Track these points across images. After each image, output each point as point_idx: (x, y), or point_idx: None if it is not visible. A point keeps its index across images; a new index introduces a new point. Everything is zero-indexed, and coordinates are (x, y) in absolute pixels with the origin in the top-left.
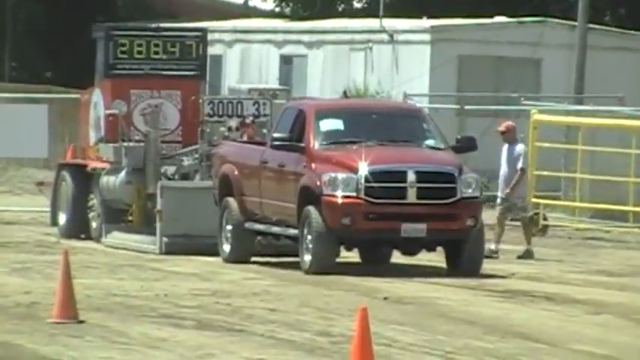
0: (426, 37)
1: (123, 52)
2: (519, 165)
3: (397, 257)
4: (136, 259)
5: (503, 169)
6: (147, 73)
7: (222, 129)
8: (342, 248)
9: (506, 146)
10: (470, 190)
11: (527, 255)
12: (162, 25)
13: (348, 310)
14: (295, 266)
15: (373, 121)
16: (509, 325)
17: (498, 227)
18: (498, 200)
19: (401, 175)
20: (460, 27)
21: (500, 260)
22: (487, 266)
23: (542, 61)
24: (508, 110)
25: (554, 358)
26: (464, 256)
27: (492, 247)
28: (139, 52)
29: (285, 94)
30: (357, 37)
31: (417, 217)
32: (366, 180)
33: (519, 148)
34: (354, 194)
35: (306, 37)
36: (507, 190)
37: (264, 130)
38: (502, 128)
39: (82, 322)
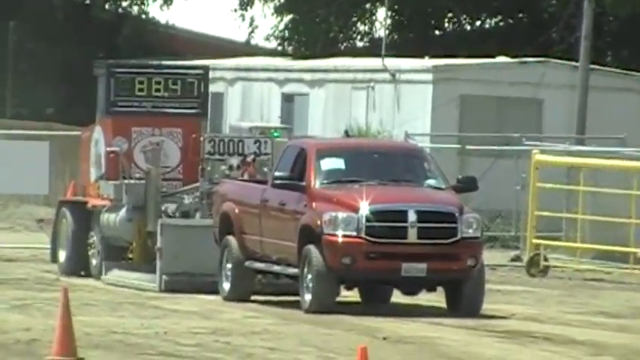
0: (428, 76)
1: (124, 89)
2: None
3: (397, 297)
4: (136, 297)
5: None
6: (148, 111)
7: (223, 167)
8: (342, 287)
9: None
10: (471, 231)
11: None
12: (164, 62)
13: (348, 350)
14: (295, 305)
15: (374, 161)
16: None
17: None
18: None
19: (402, 215)
20: (462, 67)
21: (500, 300)
22: (487, 306)
23: (543, 101)
24: (510, 150)
25: None
26: (464, 297)
27: None
28: (141, 90)
29: (287, 132)
30: (359, 76)
31: (418, 256)
32: (367, 219)
33: None
34: (355, 234)
35: (307, 76)
36: None
37: (265, 169)
38: None
39: (81, 359)
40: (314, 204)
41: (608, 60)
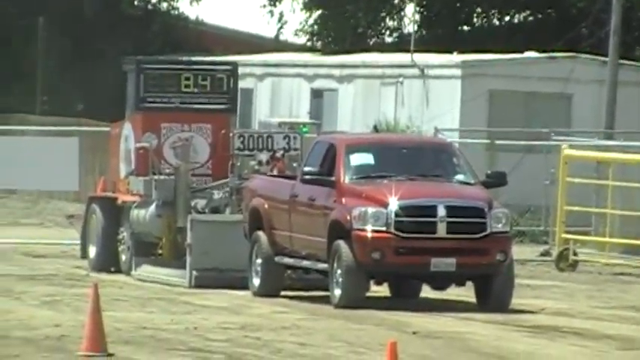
0: (457, 71)
1: (154, 85)
2: None
3: (427, 291)
4: (166, 293)
5: None
6: (177, 107)
7: (253, 163)
8: (371, 282)
9: None
10: (500, 225)
11: None
12: (193, 58)
13: (378, 345)
14: (325, 300)
15: (403, 156)
16: None
17: None
18: None
19: (431, 210)
20: (491, 62)
21: (530, 295)
22: (516, 301)
23: (572, 96)
24: (538, 145)
25: None
26: (493, 291)
27: None
28: (170, 86)
29: (316, 128)
30: (388, 71)
31: (447, 251)
32: (396, 214)
33: None
34: (384, 229)
35: (336, 72)
36: None
37: (295, 164)
38: None
39: (111, 355)
40: (343, 199)
41: (637, 55)
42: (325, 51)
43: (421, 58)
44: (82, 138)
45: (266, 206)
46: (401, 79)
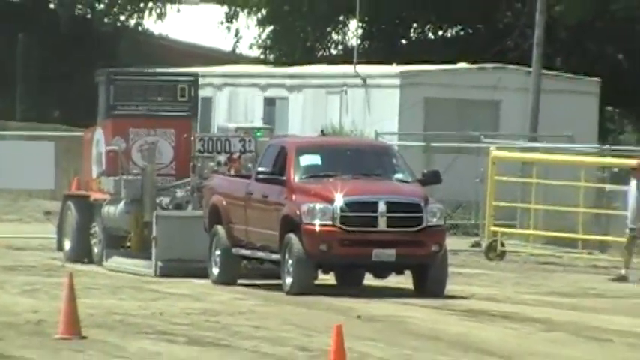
0: (396, 81)
1: (122, 95)
2: None
3: (369, 279)
4: (135, 281)
5: (632, 202)
6: (144, 114)
7: (212, 164)
8: (319, 271)
9: (634, 182)
10: (435, 219)
11: (621, 279)
12: (158, 70)
13: (326, 327)
14: (278, 288)
15: (348, 157)
16: (471, 341)
17: (626, 254)
18: (627, 230)
19: (373, 206)
20: (426, 72)
21: (462, 282)
22: (450, 287)
23: (500, 102)
24: (469, 147)
25: None
26: (429, 279)
27: (622, 272)
28: (137, 95)
29: (269, 132)
30: (334, 81)
31: (387, 243)
32: (342, 210)
33: None
34: (331, 223)
35: (287, 81)
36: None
37: (250, 165)
38: (635, 165)
39: (84, 337)
40: (293, 196)
41: (558, 65)
42: (277, 63)
43: (363, 69)
44: (57, 142)
45: (224, 203)
46: (345, 88)
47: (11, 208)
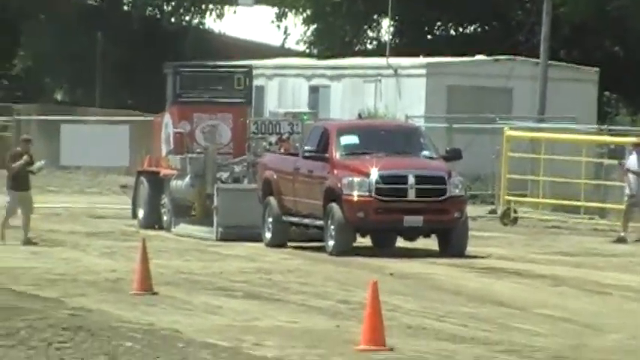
0: (423, 71)
1: (187, 85)
2: None
3: (400, 242)
4: (198, 245)
5: (631, 174)
6: (206, 101)
7: (264, 143)
8: (357, 235)
9: (634, 155)
10: (457, 190)
11: (621, 240)
12: (217, 62)
13: (362, 284)
14: (321, 250)
15: (382, 137)
16: (488, 294)
17: (625, 219)
18: (625, 197)
19: (403, 179)
20: (449, 64)
21: (480, 244)
22: (470, 249)
23: (513, 89)
24: (486, 128)
25: (523, 319)
26: (452, 241)
27: (622, 234)
28: (200, 84)
29: (313, 116)
30: (369, 71)
31: (416, 211)
32: (377, 182)
33: None
34: (367, 194)
35: (329, 72)
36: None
37: (297, 144)
38: (637, 140)
39: (155, 293)
40: (335, 171)
41: (562, 57)
42: (320, 56)
43: (394, 61)
44: (131, 126)
45: (275, 177)
46: (379, 78)
47: (92, 183)
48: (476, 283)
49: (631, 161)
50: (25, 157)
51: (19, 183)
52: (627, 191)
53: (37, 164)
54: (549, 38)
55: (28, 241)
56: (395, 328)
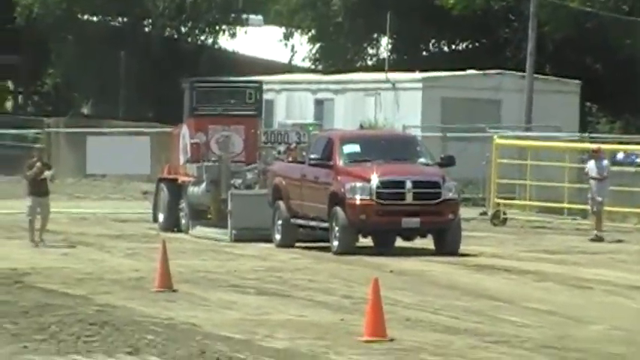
0: (419, 85)
1: (202, 99)
2: (605, 173)
3: (399, 242)
4: (214, 246)
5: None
6: (220, 113)
7: (274, 152)
8: (359, 236)
9: (593, 161)
10: (450, 194)
11: (598, 239)
12: (230, 78)
13: (365, 280)
14: (327, 249)
15: (381, 146)
16: (480, 289)
17: (597, 220)
18: (589, 201)
19: (401, 184)
20: (443, 78)
21: (472, 243)
22: (463, 247)
23: (501, 101)
24: (478, 137)
25: (512, 312)
26: (446, 241)
27: (598, 233)
28: (214, 99)
29: (319, 127)
30: (369, 85)
31: (413, 213)
32: (377, 187)
33: (605, 162)
34: (368, 198)
35: (333, 86)
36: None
37: (304, 153)
38: (595, 149)
39: (175, 290)
40: (339, 177)
41: (547, 71)
42: (324, 72)
43: (393, 76)
44: (152, 137)
45: (284, 183)
46: (378, 92)
47: (115, 189)
48: (468, 279)
49: (591, 167)
50: (37, 165)
51: (37, 189)
52: (589, 195)
53: (47, 173)
54: (535, 53)
55: (39, 243)
56: (395, 320)
